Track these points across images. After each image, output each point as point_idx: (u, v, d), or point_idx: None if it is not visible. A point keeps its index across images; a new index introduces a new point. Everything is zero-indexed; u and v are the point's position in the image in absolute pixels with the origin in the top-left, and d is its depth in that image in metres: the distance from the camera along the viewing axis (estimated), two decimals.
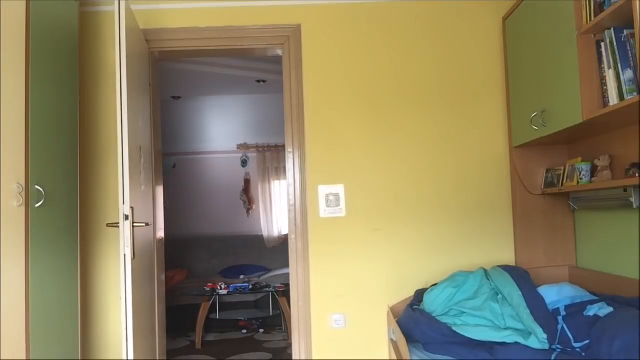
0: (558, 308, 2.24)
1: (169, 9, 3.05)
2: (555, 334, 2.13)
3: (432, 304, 2.50)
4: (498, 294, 2.42)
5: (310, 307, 2.98)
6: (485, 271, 2.57)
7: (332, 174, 3.02)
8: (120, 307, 2.50)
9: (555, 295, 2.30)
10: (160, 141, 3.19)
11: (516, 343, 2.14)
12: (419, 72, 3.07)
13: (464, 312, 2.37)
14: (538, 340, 2.11)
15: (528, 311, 2.20)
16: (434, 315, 2.44)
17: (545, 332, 2.11)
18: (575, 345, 2.07)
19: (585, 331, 2.07)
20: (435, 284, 2.62)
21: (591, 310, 2.16)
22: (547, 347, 2.09)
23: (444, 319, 2.37)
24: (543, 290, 2.34)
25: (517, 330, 2.22)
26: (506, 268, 2.53)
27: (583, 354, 2.03)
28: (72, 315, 2.46)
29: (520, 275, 2.44)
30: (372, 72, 3.06)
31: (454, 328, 2.28)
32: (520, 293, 2.29)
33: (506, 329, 2.25)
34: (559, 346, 2.11)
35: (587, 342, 2.04)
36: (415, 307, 2.62)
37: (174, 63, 4.91)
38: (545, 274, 2.83)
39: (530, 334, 2.16)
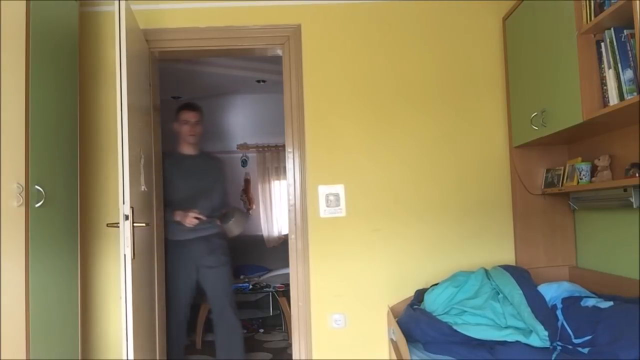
0: (555, 304, 2.25)
1: (169, 9, 3.05)
2: (556, 331, 2.13)
3: (433, 304, 2.50)
4: (499, 294, 2.42)
5: (310, 307, 2.98)
6: (486, 271, 2.58)
7: (332, 174, 3.02)
8: (120, 307, 2.49)
9: (554, 291, 2.31)
10: (160, 141, 3.19)
11: (517, 342, 2.14)
12: (419, 72, 3.07)
13: (465, 311, 2.37)
14: (539, 337, 2.11)
15: (529, 309, 2.21)
16: (434, 314, 2.44)
17: (546, 329, 2.11)
18: (576, 341, 2.07)
19: (585, 325, 2.06)
20: (436, 284, 2.63)
21: (589, 302, 2.15)
22: (548, 344, 2.09)
23: (445, 318, 2.37)
24: (542, 288, 2.34)
25: (518, 328, 2.22)
26: (507, 268, 2.53)
27: (585, 350, 2.01)
28: (72, 315, 2.46)
29: (520, 274, 2.45)
30: (372, 72, 3.06)
31: (454, 327, 2.27)
32: (520, 292, 2.30)
33: (507, 327, 2.25)
34: (559, 343, 2.11)
35: (588, 337, 2.02)
36: (415, 307, 2.62)
37: (174, 63, 4.91)
38: (545, 274, 2.83)
39: (531, 332, 2.16)
